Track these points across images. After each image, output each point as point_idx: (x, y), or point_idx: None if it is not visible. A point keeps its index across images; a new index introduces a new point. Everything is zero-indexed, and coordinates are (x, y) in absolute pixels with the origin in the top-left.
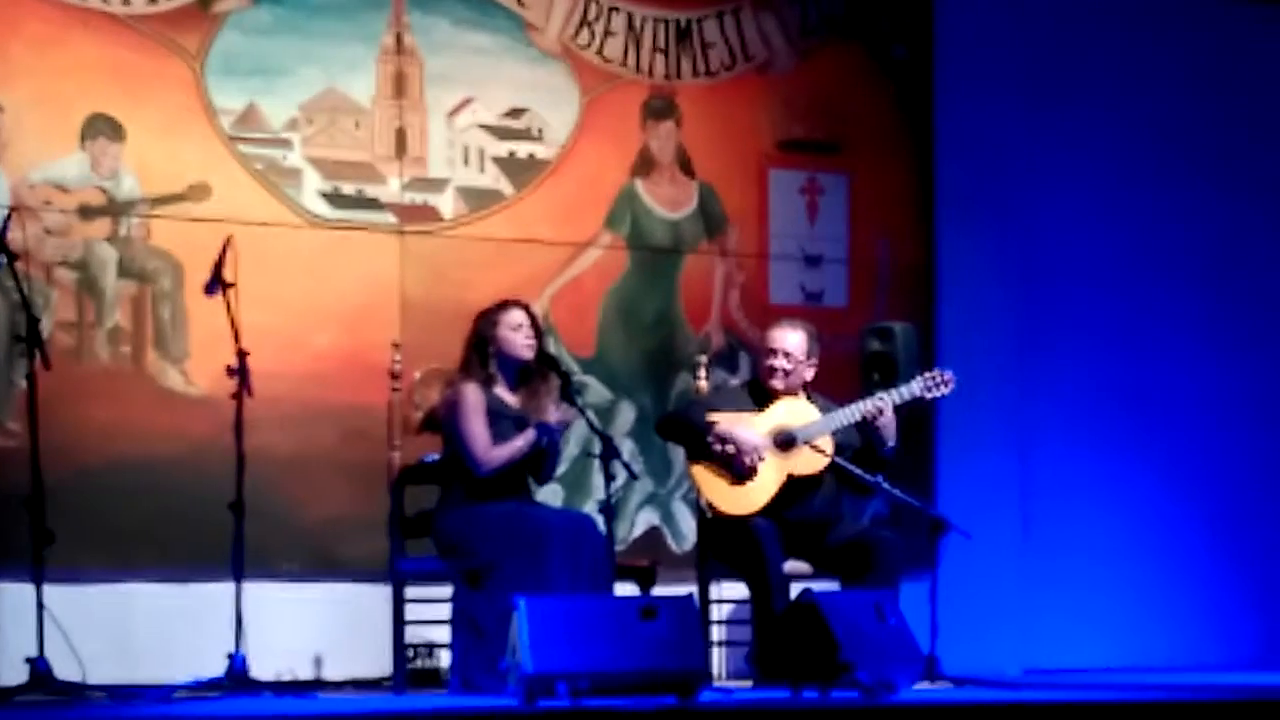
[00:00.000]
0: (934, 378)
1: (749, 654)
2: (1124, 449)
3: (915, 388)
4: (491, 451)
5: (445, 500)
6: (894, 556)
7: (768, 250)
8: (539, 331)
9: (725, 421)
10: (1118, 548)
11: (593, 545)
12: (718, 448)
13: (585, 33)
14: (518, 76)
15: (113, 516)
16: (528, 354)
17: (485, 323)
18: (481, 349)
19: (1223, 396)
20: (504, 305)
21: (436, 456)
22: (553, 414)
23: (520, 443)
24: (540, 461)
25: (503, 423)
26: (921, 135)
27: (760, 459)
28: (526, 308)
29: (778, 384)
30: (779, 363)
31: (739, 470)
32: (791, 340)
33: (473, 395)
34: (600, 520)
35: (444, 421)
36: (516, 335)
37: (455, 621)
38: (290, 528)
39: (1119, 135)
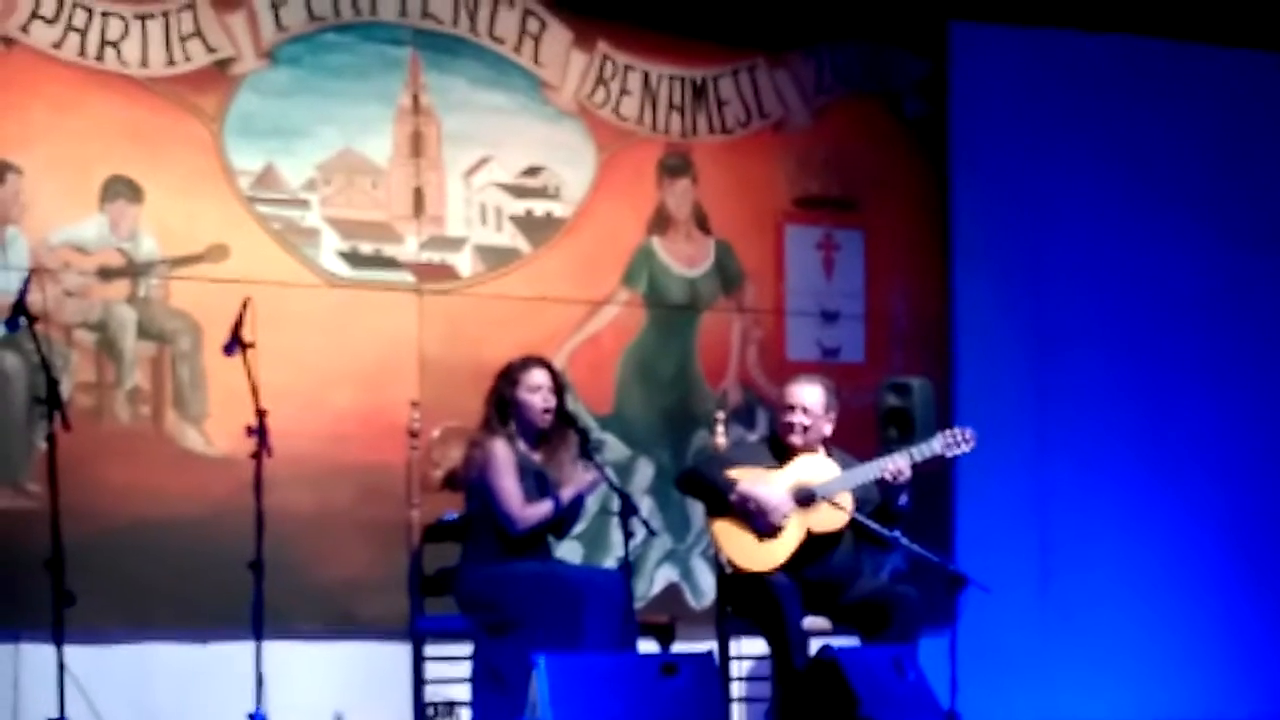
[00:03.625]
0: (955, 435)
1: (769, 710)
2: (1143, 501)
3: (936, 445)
4: (526, 510)
5: (470, 557)
6: (913, 612)
7: (784, 306)
8: (560, 389)
9: (747, 479)
10: (1139, 599)
11: (623, 603)
12: (740, 506)
13: (601, 91)
14: (534, 135)
15: (133, 576)
16: (544, 421)
17: (505, 381)
18: (502, 407)
19: (1241, 443)
20: (525, 364)
21: (455, 515)
22: (575, 483)
23: (549, 505)
24: (563, 521)
25: (526, 479)
26: (937, 190)
27: (785, 518)
28: (549, 366)
29: (796, 440)
30: (798, 419)
31: (763, 530)
32: (810, 396)
33: (503, 452)
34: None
35: (472, 479)
36: (534, 398)
37: (476, 676)
38: (310, 587)
39: (1130, 183)
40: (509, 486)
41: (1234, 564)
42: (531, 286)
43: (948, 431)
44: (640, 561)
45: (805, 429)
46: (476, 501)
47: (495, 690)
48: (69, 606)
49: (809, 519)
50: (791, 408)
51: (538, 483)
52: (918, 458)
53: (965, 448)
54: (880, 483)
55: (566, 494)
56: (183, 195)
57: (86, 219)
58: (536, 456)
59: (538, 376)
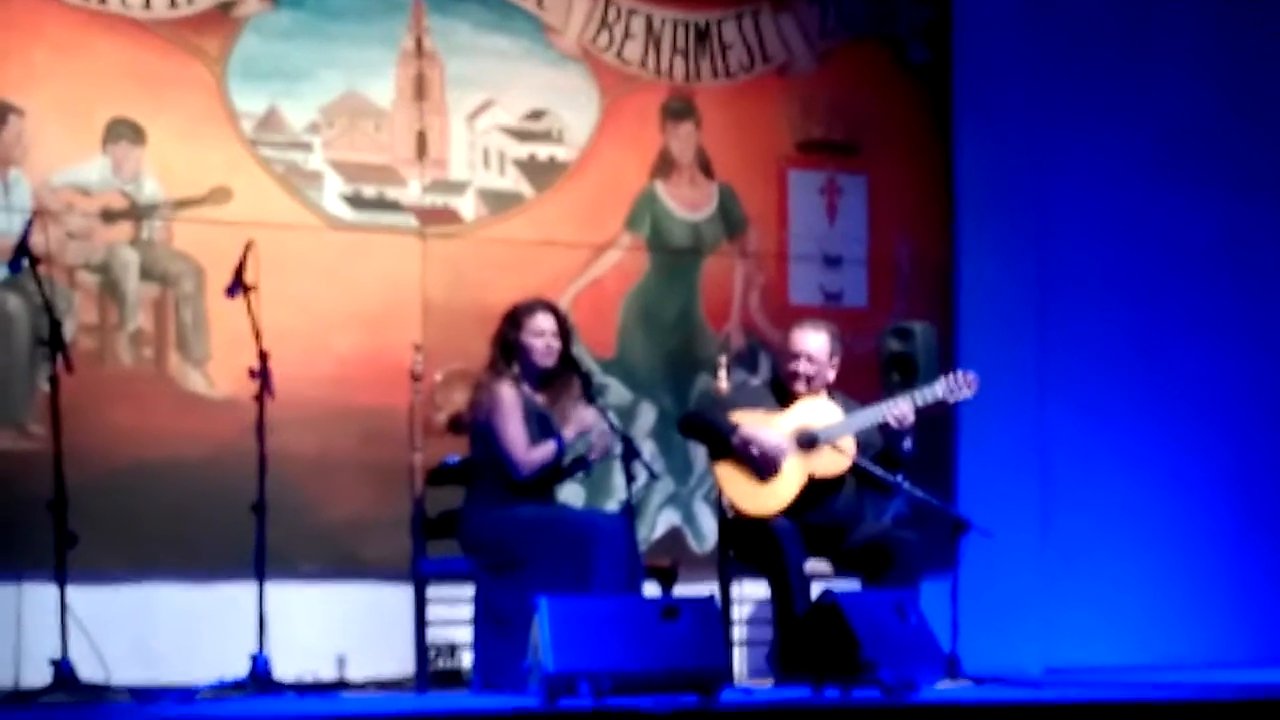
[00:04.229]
0: (957, 379)
1: (770, 653)
2: (1145, 445)
3: (938, 390)
4: (531, 454)
5: (474, 500)
6: (914, 556)
7: (787, 251)
8: (565, 333)
9: (748, 422)
10: (1140, 544)
11: (628, 545)
12: (742, 449)
13: (604, 35)
14: (537, 79)
15: (135, 518)
16: (547, 362)
17: (510, 324)
18: (506, 349)
19: (1247, 387)
20: (530, 307)
21: (458, 458)
22: (576, 422)
23: (553, 446)
24: (559, 470)
25: (530, 421)
26: (940, 136)
27: (785, 458)
28: (554, 309)
29: (801, 388)
30: (803, 367)
31: (763, 471)
32: (815, 343)
33: (509, 395)
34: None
35: (478, 422)
36: (538, 341)
37: (478, 618)
38: (312, 528)
39: (1135, 132)
40: (514, 431)
41: (1234, 508)
42: (535, 230)
43: (950, 376)
44: (642, 505)
45: (810, 378)
46: (481, 445)
47: (497, 632)
48: (71, 548)
49: (811, 463)
50: (796, 356)
51: (540, 425)
52: (920, 402)
53: (968, 392)
54: (883, 427)
55: (569, 433)
56: (185, 138)
57: (89, 161)
58: (540, 399)
59: (542, 320)
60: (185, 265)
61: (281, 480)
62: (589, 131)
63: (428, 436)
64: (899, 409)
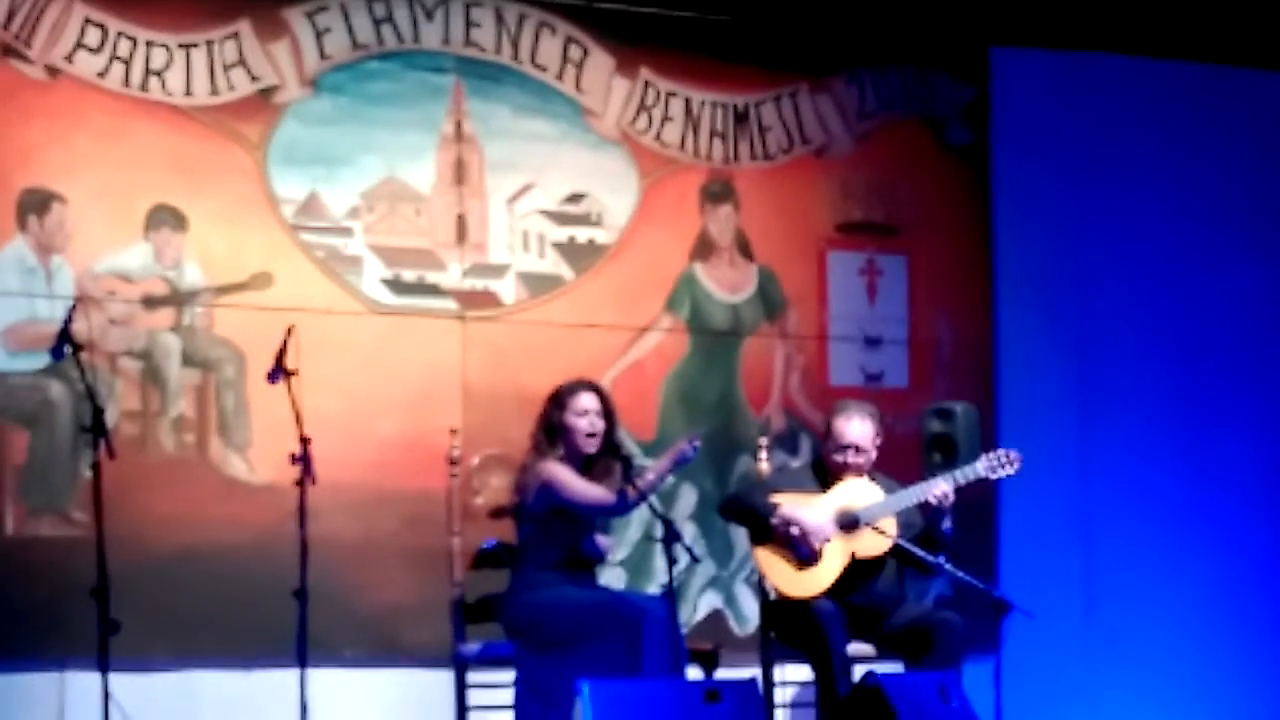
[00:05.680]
0: (999, 457)
1: None
2: (1189, 523)
3: (980, 468)
4: (609, 495)
5: (520, 582)
6: (957, 638)
7: (827, 332)
8: (609, 413)
9: (789, 504)
10: (1184, 624)
11: (672, 629)
12: (783, 530)
13: (643, 118)
14: (577, 162)
15: (178, 605)
16: (591, 446)
17: (554, 405)
18: (550, 431)
19: None
20: (574, 388)
21: (495, 542)
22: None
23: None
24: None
25: None
26: (980, 215)
27: (826, 542)
28: (598, 389)
29: (853, 475)
30: (852, 458)
31: (804, 554)
32: (862, 432)
33: (560, 466)
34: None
35: (525, 504)
36: (582, 421)
37: (520, 700)
38: (354, 614)
39: (1173, 210)
40: (583, 489)
41: None
42: (575, 313)
43: (992, 453)
44: (684, 588)
45: (860, 467)
46: (529, 526)
47: (541, 714)
48: (114, 634)
49: (852, 544)
50: (845, 448)
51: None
52: (961, 481)
53: (1010, 469)
54: (923, 507)
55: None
56: (227, 223)
57: (131, 247)
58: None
59: (585, 400)
60: (226, 351)
61: (323, 566)
62: (628, 214)
63: (466, 521)
64: (940, 488)
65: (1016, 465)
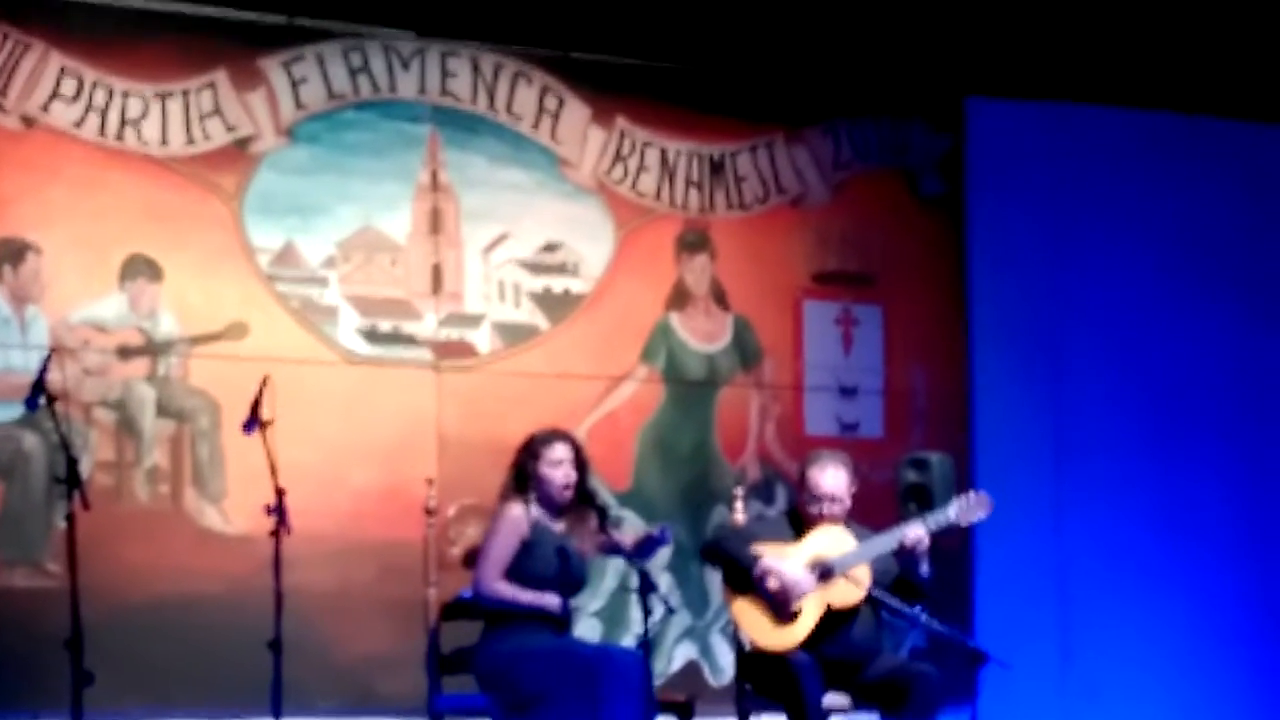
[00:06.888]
0: (969, 500)
1: None
2: (1166, 572)
3: (950, 513)
4: (497, 583)
5: (489, 634)
6: (933, 688)
7: (803, 382)
8: (582, 464)
9: (769, 556)
10: (1162, 671)
11: (642, 680)
12: (761, 581)
13: (619, 168)
14: (553, 211)
15: (152, 656)
16: (564, 496)
17: (527, 453)
18: (521, 478)
19: (1268, 510)
20: (548, 438)
21: (470, 592)
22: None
23: (528, 598)
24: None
25: (544, 548)
26: (955, 265)
27: (804, 597)
28: (571, 440)
29: (828, 523)
30: (827, 509)
31: (779, 606)
32: (838, 483)
33: (513, 516)
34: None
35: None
36: (555, 472)
37: None
38: (329, 665)
39: (1148, 259)
40: (498, 551)
41: (1261, 633)
42: (550, 363)
43: (961, 496)
44: (659, 639)
45: (835, 515)
46: None
47: None
48: (88, 686)
49: (827, 594)
50: (820, 499)
51: (560, 556)
52: (933, 526)
53: (981, 513)
54: (898, 553)
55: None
56: (202, 273)
57: (106, 297)
58: (558, 528)
59: (560, 450)
60: (201, 401)
61: (298, 616)
62: (604, 264)
63: (442, 571)
64: (912, 533)
65: (987, 508)
